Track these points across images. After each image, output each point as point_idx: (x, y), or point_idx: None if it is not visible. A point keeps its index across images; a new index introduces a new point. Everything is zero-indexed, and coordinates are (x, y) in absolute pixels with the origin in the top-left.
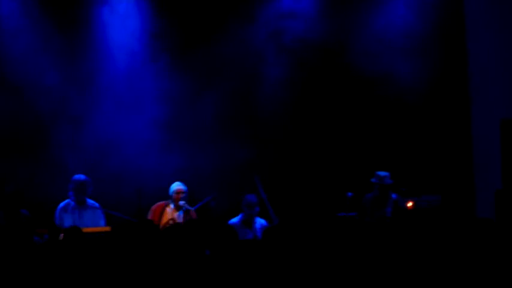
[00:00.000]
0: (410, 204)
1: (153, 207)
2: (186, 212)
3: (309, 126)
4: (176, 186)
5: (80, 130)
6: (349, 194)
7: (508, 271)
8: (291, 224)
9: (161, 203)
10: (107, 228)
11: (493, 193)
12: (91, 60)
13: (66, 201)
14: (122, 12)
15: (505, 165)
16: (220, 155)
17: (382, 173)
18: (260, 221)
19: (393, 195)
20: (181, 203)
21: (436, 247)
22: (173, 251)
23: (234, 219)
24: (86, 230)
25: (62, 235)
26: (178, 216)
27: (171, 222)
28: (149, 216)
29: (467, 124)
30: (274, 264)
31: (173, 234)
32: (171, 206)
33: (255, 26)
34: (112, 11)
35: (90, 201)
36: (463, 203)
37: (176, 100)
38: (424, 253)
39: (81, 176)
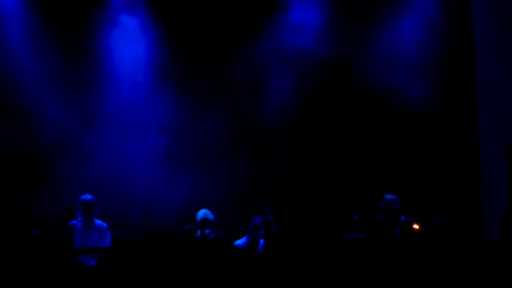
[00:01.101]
0: (417, 226)
1: (181, 231)
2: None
3: (316, 146)
4: (202, 215)
5: (85, 161)
6: (355, 216)
7: None
8: (297, 243)
9: (189, 228)
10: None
11: (499, 216)
12: (95, 90)
13: (74, 221)
14: (127, 40)
15: None
16: (227, 177)
17: (389, 196)
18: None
19: (402, 217)
20: (207, 231)
21: (444, 268)
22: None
23: (240, 241)
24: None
25: None
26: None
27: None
28: (176, 239)
29: (475, 147)
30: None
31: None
32: (198, 232)
33: (260, 43)
34: (117, 40)
35: (98, 222)
36: (470, 225)
37: (181, 123)
38: (432, 274)
39: (88, 196)
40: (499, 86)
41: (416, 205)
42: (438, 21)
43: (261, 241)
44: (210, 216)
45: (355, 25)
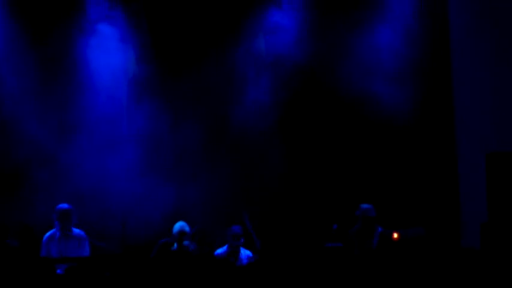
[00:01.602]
0: (396, 235)
1: (158, 245)
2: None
3: (295, 153)
4: (179, 227)
5: (63, 172)
6: (335, 226)
7: None
8: (278, 254)
9: (165, 241)
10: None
11: (479, 226)
12: (73, 101)
13: (52, 231)
14: (104, 50)
15: (491, 197)
16: (206, 185)
17: (365, 206)
18: (246, 252)
19: (379, 228)
20: (186, 243)
21: (422, 277)
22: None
23: (220, 250)
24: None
25: None
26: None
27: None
28: (154, 253)
29: (453, 156)
30: None
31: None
32: (174, 245)
33: (236, 49)
34: (94, 50)
35: (76, 231)
36: (448, 235)
37: (159, 133)
38: (411, 283)
39: (65, 205)
40: (477, 95)
41: (395, 214)
42: (415, 28)
43: (242, 250)
44: (187, 228)
45: (332, 30)
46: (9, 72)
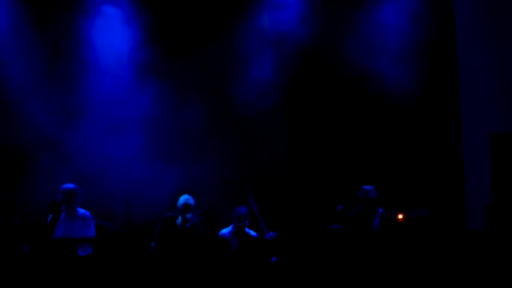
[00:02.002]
0: (400, 216)
1: (162, 219)
2: (194, 225)
3: (300, 133)
4: (183, 200)
5: (69, 154)
6: (339, 207)
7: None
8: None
9: (169, 215)
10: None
11: (483, 207)
12: (77, 84)
13: None
14: (109, 31)
15: (495, 179)
16: (211, 166)
17: (367, 187)
18: (251, 233)
19: (380, 209)
20: (189, 216)
21: (426, 259)
22: (165, 261)
23: (225, 230)
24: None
25: None
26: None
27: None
28: (158, 227)
29: (457, 137)
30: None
31: (168, 244)
32: (179, 218)
33: (240, 29)
34: (98, 32)
35: (82, 211)
36: (453, 216)
37: (164, 115)
38: (413, 265)
39: (70, 185)
40: (482, 75)
41: (399, 195)
42: (420, 7)
43: (247, 231)
44: (191, 201)
45: (337, 8)
46: (14, 55)
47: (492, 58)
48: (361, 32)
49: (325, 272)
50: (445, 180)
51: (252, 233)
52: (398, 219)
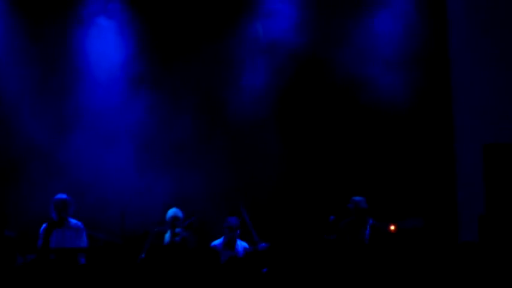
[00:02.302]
0: (393, 227)
1: (152, 234)
2: (183, 239)
3: (292, 139)
4: (172, 213)
5: (62, 164)
6: (332, 217)
7: None
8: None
9: (159, 229)
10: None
11: (476, 218)
12: (71, 93)
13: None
14: (101, 42)
15: (488, 190)
16: (203, 175)
17: (357, 198)
18: (242, 244)
19: (370, 220)
20: (178, 230)
21: (418, 270)
22: (156, 272)
23: (217, 242)
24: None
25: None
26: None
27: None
28: (146, 244)
29: (451, 147)
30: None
31: (157, 255)
32: (168, 232)
33: (233, 37)
34: (91, 43)
35: (73, 221)
36: (446, 227)
37: (156, 125)
38: (405, 276)
39: (62, 196)
40: (475, 85)
41: (392, 205)
42: (413, 17)
43: (238, 241)
44: (180, 214)
45: (330, 15)
46: (7, 66)
47: (485, 68)
48: (354, 40)
49: (316, 283)
50: (438, 190)
51: (244, 244)
52: (391, 230)
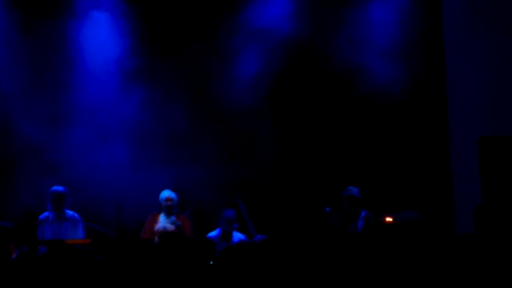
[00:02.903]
0: (389, 219)
1: (148, 218)
2: (179, 227)
3: (286, 131)
4: (166, 194)
5: (58, 158)
6: (328, 209)
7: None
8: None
9: (154, 212)
10: (86, 241)
11: (472, 210)
12: (65, 89)
13: (46, 213)
14: (95, 37)
15: (484, 182)
16: (199, 168)
17: (350, 187)
18: (238, 236)
19: (363, 212)
20: (173, 219)
21: (414, 262)
22: (151, 264)
23: (213, 233)
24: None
25: None
26: (172, 224)
27: (162, 230)
28: (145, 227)
29: (446, 140)
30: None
31: (151, 247)
32: (162, 214)
33: (226, 23)
34: (84, 40)
35: (70, 213)
36: (442, 219)
37: (151, 118)
38: (401, 269)
39: (59, 188)
40: (470, 78)
41: (388, 198)
42: (408, 5)
43: (234, 233)
44: (173, 196)
45: (325, 5)
46: (0, 61)
47: (480, 61)
48: (349, 29)
49: (313, 274)
50: (434, 183)
51: (240, 235)
52: (387, 222)
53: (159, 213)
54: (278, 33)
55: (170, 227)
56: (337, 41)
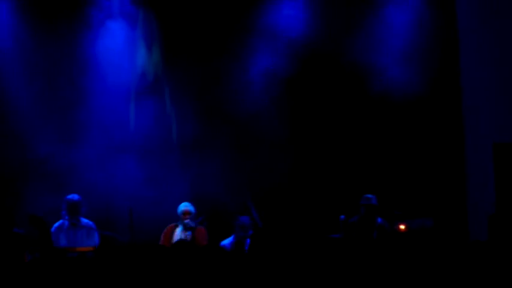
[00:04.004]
0: (403, 227)
1: (165, 230)
2: (193, 230)
3: (301, 134)
4: (183, 207)
5: (73, 163)
6: (342, 216)
7: None
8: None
9: (171, 225)
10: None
11: (486, 218)
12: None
13: (60, 221)
14: (110, 46)
15: (499, 189)
16: (213, 175)
17: (368, 195)
18: None
19: (379, 220)
20: (186, 221)
21: (428, 269)
22: (162, 271)
23: (226, 241)
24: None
25: None
26: (187, 235)
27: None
28: (161, 239)
29: (461, 147)
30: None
31: (162, 255)
32: (180, 227)
33: (241, 24)
34: (99, 47)
35: (85, 221)
36: (456, 227)
37: (164, 123)
38: (415, 276)
39: (75, 196)
40: (485, 84)
41: (402, 205)
42: (423, 7)
43: (248, 241)
44: (191, 208)
45: (341, 6)
46: (14, 73)
47: (495, 67)
48: (363, 30)
49: (324, 282)
50: (448, 190)
51: None
52: (401, 229)
53: (176, 226)
54: (291, 34)
55: (189, 237)
56: (350, 42)
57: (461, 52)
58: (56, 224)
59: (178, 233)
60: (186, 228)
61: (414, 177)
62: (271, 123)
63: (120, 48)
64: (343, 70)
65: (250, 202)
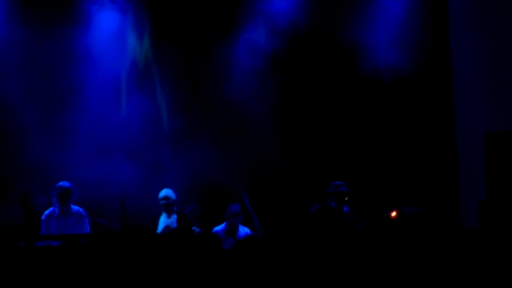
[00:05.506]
0: (394, 213)
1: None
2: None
3: (291, 126)
4: (162, 193)
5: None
6: (333, 204)
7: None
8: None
9: (157, 213)
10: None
11: (477, 204)
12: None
13: (51, 208)
14: (101, 48)
15: (489, 177)
16: (205, 163)
17: (337, 182)
18: (244, 230)
19: (345, 208)
20: (175, 217)
21: (418, 256)
22: (154, 258)
23: (218, 228)
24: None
25: None
26: (172, 223)
27: (166, 230)
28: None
29: (452, 135)
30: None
31: (154, 242)
32: (163, 214)
33: (237, 17)
34: (92, 50)
35: (75, 208)
36: (447, 213)
37: (156, 113)
38: (405, 263)
39: (66, 183)
40: (476, 73)
41: (393, 192)
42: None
43: (240, 227)
44: (170, 193)
45: None
46: (10, 69)
47: (486, 56)
48: (356, 11)
49: (313, 270)
50: (440, 177)
51: (246, 230)
52: (392, 217)
53: (160, 213)
54: (284, 17)
55: (172, 225)
56: (342, 22)
57: (452, 37)
58: (47, 212)
59: (162, 221)
60: (169, 211)
61: (406, 165)
62: (262, 106)
63: (110, 38)
64: (334, 50)
65: (244, 190)
